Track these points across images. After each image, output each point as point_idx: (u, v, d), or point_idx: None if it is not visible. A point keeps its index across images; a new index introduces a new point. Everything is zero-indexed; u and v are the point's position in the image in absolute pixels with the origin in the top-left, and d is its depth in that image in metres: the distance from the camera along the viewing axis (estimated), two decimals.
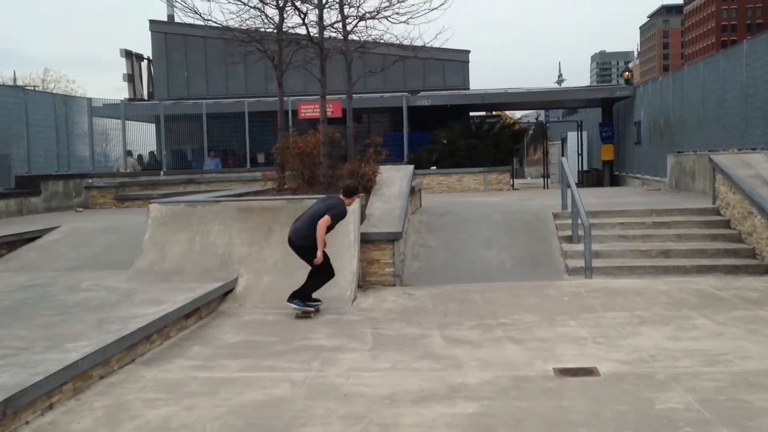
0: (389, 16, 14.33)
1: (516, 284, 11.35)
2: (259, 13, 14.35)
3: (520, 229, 13.79)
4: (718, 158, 13.83)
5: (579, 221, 12.52)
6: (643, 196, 18.87)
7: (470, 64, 30.09)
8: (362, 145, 16.23)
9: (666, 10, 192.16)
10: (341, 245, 11.18)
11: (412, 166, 15.11)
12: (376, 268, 11.79)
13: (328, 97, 27.12)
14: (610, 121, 28.61)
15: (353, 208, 10.78)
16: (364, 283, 11.60)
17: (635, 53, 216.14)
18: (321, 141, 13.24)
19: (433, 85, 28.20)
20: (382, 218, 12.33)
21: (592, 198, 17.72)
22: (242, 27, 14.47)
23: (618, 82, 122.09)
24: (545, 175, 32.63)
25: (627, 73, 36.71)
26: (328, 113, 26.46)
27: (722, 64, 16.79)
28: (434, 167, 24.64)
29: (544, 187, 31.25)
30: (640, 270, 11.81)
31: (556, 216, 14.17)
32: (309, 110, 26.11)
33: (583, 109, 35.98)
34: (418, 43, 16.26)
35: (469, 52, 28.41)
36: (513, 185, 28.38)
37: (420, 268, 12.48)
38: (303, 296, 9.63)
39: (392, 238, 11.78)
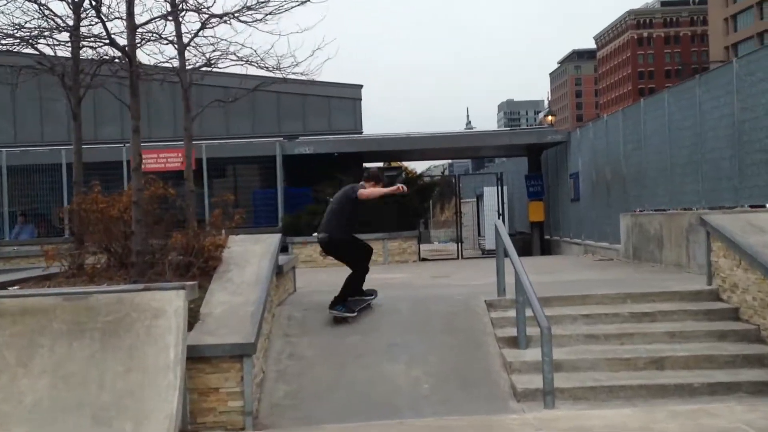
0: (240, 14, 11.12)
1: (440, 423, 8.13)
2: (40, 14, 10.86)
3: (440, 327, 10.63)
4: (715, 219, 11.12)
5: (527, 312, 9.53)
6: (597, 270, 16.14)
7: (364, 107, 27.38)
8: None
9: (577, 55, 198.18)
10: (153, 368, 7.73)
11: (278, 236, 11.82)
12: (214, 401, 8.37)
13: (174, 143, 23.73)
14: (538, 173, 26.19)
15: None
16: (193, 428, 8.14)
17: (545, 102, 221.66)
18: (133, 200, 9.75)
19: (316, 128, 25.27)
20: (225, 320, 8.93)
21: (531, 273, 14.93)
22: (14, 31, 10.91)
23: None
24: (458, 240, 29.86)
25: (551, 117, 34.87)
26: (176, 164, 22.99)
27: (699, 92, 14.32)
28: (317, 234, 21.33)
29: (457, 257, 28.43)
30: (624, 391, 8.84)
31: (490, 306, 11.11)
32: (152, 160, 22.51)
33: (501, 160, 33.74)
34: (289, 62, 13.05)
35: (361, 87, 25.70)
36: (420, 255, 25.42)
37: (288, 396, 9.14)
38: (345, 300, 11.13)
39: (241, 353, 8.41)
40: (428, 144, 24.43)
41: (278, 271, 11.47)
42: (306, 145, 23.68)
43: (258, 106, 25.15)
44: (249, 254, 10.97)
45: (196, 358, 8.20)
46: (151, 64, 13.42)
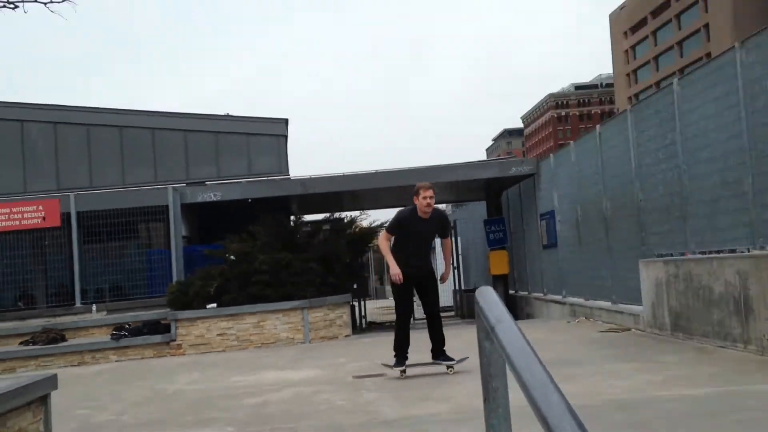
0: None
1: None
2: None
3: None
4: None
5: None
6: (634, 356, 7.64)
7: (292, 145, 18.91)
8: None
9: (508, 133, 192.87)
10: None
11: None
12: None
13: (37, 194, 15.14)
14: (499, 217, 17.78)
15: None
16: None
17: None
18: None
19: (233, 172, 16.63)
20: None
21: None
22: None
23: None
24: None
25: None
26: (35, 220, 14.35)
27: None
28: (213, 305, 12.72)
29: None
30: None
31: None
32: (2, 216, 13.90)
33: (458, 206, 25.38)
34: None
35: (286, 121, 17.22)
36: (361, 323, 16.95)
37: None
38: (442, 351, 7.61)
39: None
40: (366, 183, 15.95)
41: None
42: (212, 190, 15.11)
43: (161, 151, 16.65)
44: None
45: None
46: None
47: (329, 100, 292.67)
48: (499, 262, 17.08)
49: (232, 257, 13.18)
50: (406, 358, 7.65)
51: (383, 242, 7.63)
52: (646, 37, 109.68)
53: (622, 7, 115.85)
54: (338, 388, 7.39)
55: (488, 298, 2.73)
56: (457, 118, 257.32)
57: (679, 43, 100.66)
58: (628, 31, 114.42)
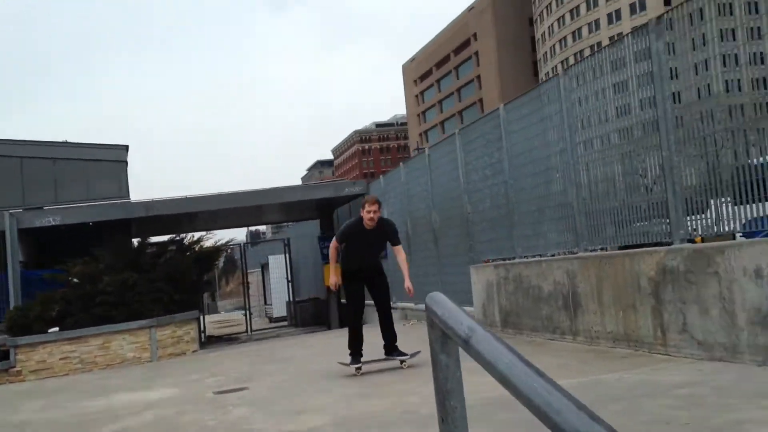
0: None
1: None
2: None
3: None
4: None
5: None
6: None
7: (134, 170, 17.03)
8: None
9: (320, 163, 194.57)
10: None
11: None
12: None
13: None
14: (331, 234, 17.09)
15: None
16: None
17: None
18: None
19: (71, 197, 14.52)
20: None
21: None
22: None
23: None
24: (247, 312, 19.81)
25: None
26: None
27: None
28: (55, 328, 10.78)
29: (246, 329, 18.54)
30: None
31: None
32: None
33: (279, 227, 24.32)
34: None
35: (127, 147, 15.39)
36: (204, 337, 15.47)
37: None
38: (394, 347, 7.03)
39: None
40: (209, 205, 14.61)
41: None
42: (51, 215, 13.01)
43: None
44: None
45: None
46: None
47: (173, 132, 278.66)
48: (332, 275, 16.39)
49: (75, 280, 11.31)
50: (361, 355, 6.96)
51: (332, 250, 7.17)
52: (432, 84, 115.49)
53: (412, 59, 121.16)
54: (201, 406, 6.24)
55: (446, 306, 2.08)
56: (280, 150, 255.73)
57: (458, 90, 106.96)
58: (417, 79, 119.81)
